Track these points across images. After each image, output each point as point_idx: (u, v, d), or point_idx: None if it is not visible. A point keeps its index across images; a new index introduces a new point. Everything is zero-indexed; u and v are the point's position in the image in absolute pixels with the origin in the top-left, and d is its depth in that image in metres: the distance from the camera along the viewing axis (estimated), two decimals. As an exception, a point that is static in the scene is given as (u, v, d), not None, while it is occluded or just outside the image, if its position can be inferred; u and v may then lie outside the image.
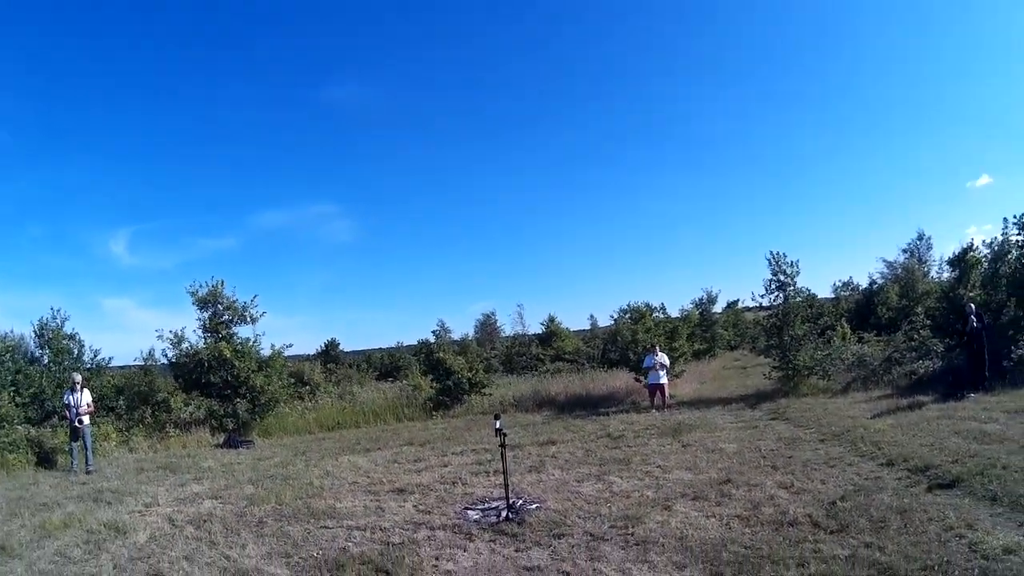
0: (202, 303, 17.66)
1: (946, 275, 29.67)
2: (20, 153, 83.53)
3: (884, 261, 41.63)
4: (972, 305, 14.11)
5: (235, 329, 17.97)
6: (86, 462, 12.42)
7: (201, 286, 17.65)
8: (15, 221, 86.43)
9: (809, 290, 18.24)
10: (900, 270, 38.34)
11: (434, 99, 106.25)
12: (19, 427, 13.76)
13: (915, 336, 17.13)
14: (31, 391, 15.37)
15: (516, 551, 5.74)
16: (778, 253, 17.17)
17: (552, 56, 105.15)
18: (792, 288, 17.27)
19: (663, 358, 16.22)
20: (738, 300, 53.55)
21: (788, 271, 17.16)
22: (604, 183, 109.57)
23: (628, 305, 24.27)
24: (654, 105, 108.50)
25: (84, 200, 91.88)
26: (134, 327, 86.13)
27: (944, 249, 75.51)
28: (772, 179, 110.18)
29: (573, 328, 46.77)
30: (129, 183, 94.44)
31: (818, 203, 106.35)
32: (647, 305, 22.63)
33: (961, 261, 24.16)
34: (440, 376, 19.84)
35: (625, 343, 22.73)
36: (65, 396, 12.84)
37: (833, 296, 43.43)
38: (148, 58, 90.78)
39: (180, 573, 5.85)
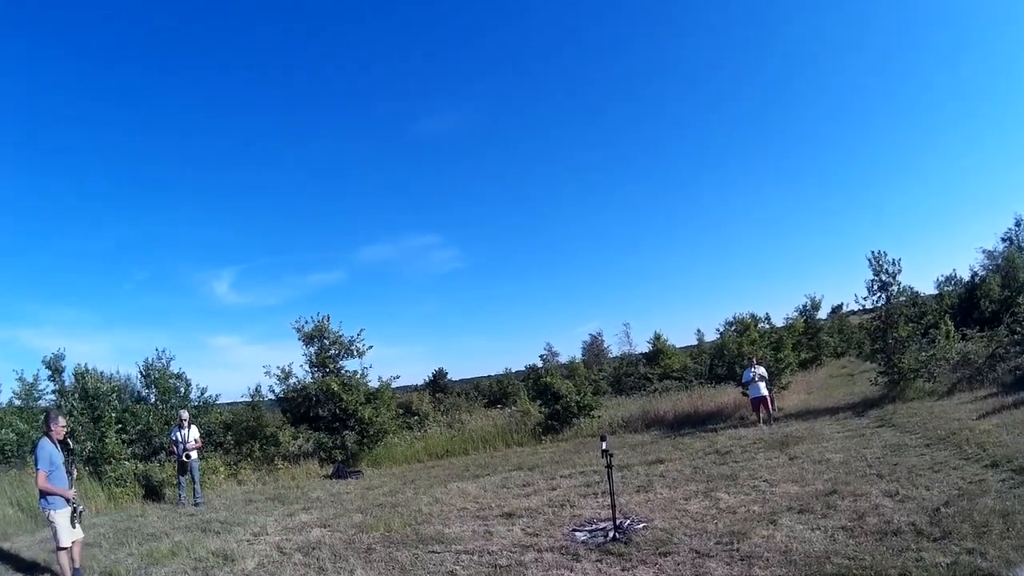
0: (308, 339, 17.92)
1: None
2: (121, 198, 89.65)
3: (984, 251, 39.44)
4: None
5: (342, 363, 18.13)
6: (194, 495, 12.70)
7: (306, 322, 17.94)
8: (120, 265, 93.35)
9: (912, 288, 17.72)
10: (1000, 260, 36.10)
11: (527, 123, 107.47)
12: (126, 463, 14.11)
13: (1018, 329, 16.33)
14: (138, 428, 15.81)
15: (622, 570, 5.77)
16: (879, 252, 16.85)
17: (640, 68, 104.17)
18: (895, 287, 16.85)
19: (761, 370, 16.12)
20: (842, 304, 51.72)
21: (890, 270, 16.80)
22: (707, 194, 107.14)
23: (733, 317, 23.60)
24: (761, 107, 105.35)
25: (187, 242, 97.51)
26: (241, 364, 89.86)
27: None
28: (869, 176, 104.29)
29: (680, 344, 46.64)
30: (232, 224, 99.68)
31: (918, 195, 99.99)
32: (752, 316, 21.80)
33: (1063, 243, 22.06)
34: (548, 400, 19.89)
35: (731, 357, 22.01)
36: (173, 432, 13.29)
37: (936, 292, 41.11)
38: (245, 100, 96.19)
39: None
